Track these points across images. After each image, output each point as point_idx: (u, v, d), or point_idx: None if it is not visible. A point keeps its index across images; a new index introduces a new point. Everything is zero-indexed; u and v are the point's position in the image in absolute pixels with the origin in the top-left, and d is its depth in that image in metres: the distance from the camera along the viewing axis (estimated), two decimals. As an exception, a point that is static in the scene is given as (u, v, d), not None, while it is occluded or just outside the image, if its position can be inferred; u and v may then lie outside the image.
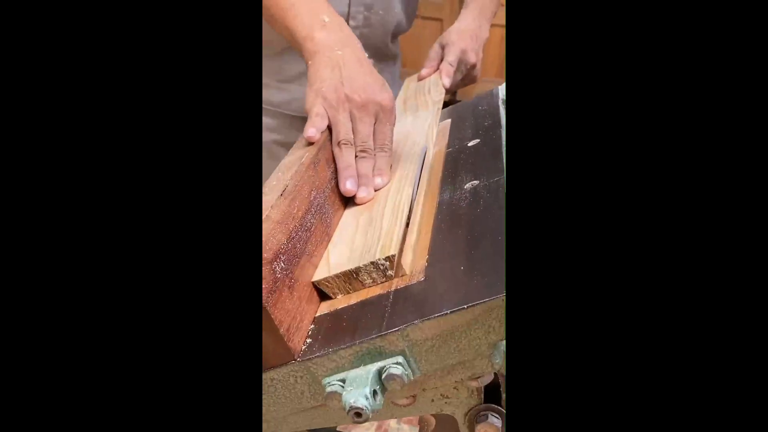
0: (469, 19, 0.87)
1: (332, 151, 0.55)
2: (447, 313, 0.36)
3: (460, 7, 0.93)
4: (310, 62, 0.58)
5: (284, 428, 0.43)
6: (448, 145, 0.66)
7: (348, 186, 0.53)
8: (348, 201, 0.56)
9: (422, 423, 0.60)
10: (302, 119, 0.82)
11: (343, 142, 0.54)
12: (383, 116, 0.56)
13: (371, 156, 0.55)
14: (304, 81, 0.75)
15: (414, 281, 0.42)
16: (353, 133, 0.55)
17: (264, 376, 0.39)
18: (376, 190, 0.55)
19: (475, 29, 0.86)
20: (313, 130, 0.53)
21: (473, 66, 0.86)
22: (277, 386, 0.40)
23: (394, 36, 0.91)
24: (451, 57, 0.84)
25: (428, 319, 0.37)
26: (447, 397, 0.42)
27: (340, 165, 0.54)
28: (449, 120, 0.75)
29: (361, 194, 0.54)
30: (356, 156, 0.55)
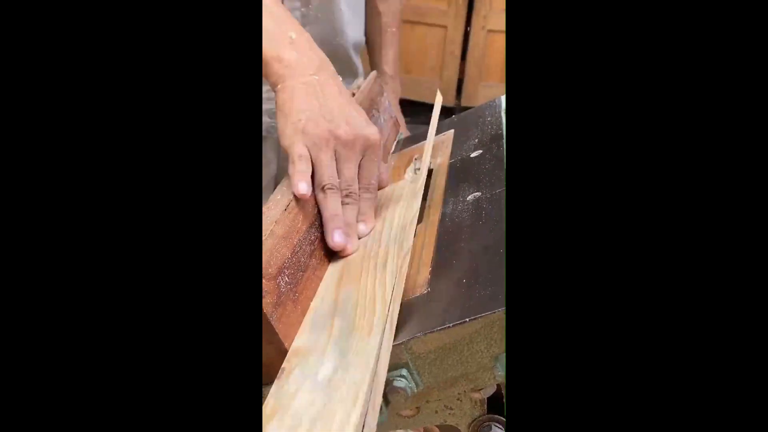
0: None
1: (315, 196, 0.48)
2: (450, 327, 0.37)
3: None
4: (279, 86, 0.50)
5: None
6: (451, 157, 0.67)
7: (337, 239, 0.47)
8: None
9: (426, 432, 0.60)
10: None
11: (327, 186, 0.48)
12: (370, 152, 0.50)
13: (356, 201, 0.49)
14: None
15: (417, 294, 0.42)
16: (338, 174, 0.49)
17: (265, 390, 0.40)
18: (360, 238, 0.50)
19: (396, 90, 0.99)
20: (304, 185, 0.46)
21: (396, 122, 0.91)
22: (282, 399, 0.40)
23: (354, 47, 0.91)
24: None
25: (431, 332, 0.37)
26: (450, 408, 0.42)
27: (326, 214, 0.48)
28: (452, 131, 0.75)
29: (348, 248, 0.48)
30: (342, 197, 0.49)
